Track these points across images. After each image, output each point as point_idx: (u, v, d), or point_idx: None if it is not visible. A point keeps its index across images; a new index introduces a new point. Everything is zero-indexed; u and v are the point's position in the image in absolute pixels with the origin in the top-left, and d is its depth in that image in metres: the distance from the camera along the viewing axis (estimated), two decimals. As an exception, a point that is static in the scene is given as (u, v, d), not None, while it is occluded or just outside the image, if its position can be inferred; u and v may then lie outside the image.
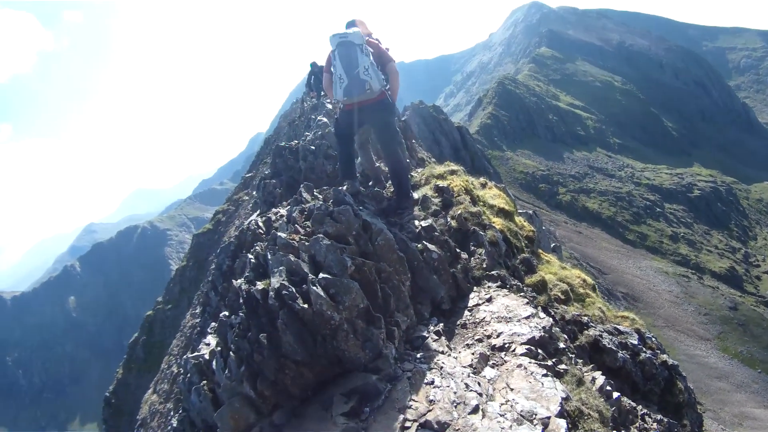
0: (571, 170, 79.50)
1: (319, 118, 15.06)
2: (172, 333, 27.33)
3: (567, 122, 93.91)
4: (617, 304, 42.68)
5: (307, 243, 4.96)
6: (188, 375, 5.23)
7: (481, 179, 8.82)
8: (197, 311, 20.78)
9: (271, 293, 4.37)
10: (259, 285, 4.61)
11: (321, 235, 4.98)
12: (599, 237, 64.65)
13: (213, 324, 6.04)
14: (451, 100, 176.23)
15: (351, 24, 7.19)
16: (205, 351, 5.27)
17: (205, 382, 4.87)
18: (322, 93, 23.52)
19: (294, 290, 4.32)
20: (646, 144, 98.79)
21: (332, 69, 6.71)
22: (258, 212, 10.88)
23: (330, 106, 17.14)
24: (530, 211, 22.70)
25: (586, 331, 5.99)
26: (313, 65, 25.26)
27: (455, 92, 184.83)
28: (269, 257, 4.86)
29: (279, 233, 5.25)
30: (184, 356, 5.66)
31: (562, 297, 6.71)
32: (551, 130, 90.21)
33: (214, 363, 4.77)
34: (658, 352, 6.44)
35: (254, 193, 22.69)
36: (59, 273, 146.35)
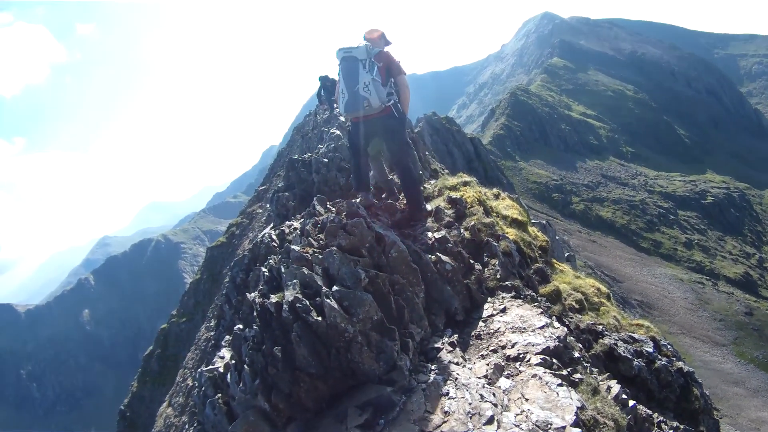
0: (584, 179, 79.37)
1: (332, 130, 15.09)
2: (187, 346, 27.39)
3: (579, 132, 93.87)
4: (632, 312, 42.46)
5: (320, 256, 4.97)
6: (203, 388, 5.24)
7: (494, 190, 8.82)
8: (212, 324, 20.84)
9: (285, 306, 4.39)
10: (273, 298, 4.63)
11: (334, 248, 4.99)
12: (613, 245, 64.35)
13: (227, 337, 6.06)
14: (464, 112, 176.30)
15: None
16: (219, 364, 5.28)
17: (219, 395, 4.88)
18: (335, 105, 23.45)
19: (308, 303, 4.34)
20: (658, 152, 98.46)
21: (338, 83, 6.75)
22: (271, 225, 10.90)
23: (343, 119, 17.17)
24: (544, 221, 22.68)
25: (601, 340, 5.98)
26: (324, 79, 25.13)
27: (468, 103, 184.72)
28: (283, 270, 4.89)
29: (292, 246, 5.28)
30: (199, 369, 5.68)
31: (577, 306, 6.69)
32: (564, 140, 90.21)
33: (228, 376, 4.79)
34: (674, 359, 6.40)
35: (267, 206, 22.75)
36: (73, 286, 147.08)
